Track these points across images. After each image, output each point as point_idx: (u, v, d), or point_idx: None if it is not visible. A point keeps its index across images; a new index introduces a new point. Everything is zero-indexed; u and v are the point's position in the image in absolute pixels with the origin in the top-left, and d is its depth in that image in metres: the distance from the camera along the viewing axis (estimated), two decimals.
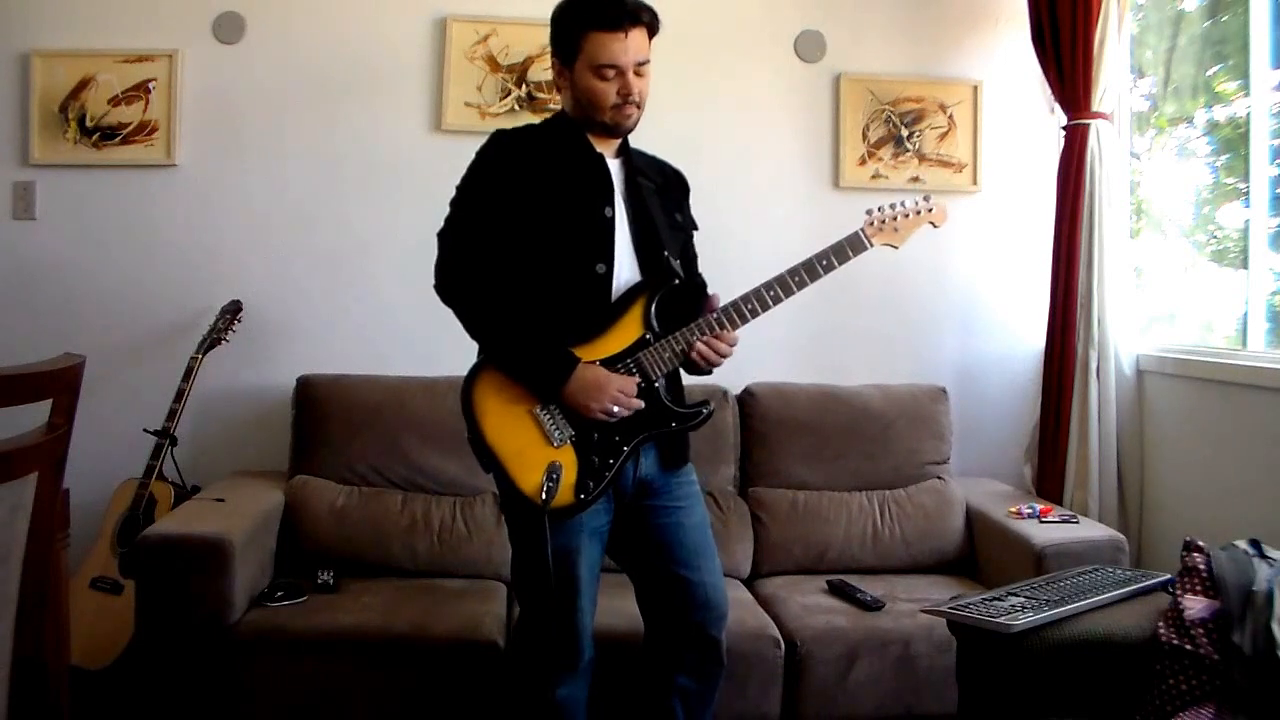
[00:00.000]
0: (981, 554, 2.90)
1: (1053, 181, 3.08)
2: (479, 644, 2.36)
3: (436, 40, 3.20)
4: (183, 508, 2.66)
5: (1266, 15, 2.69)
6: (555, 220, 1.92)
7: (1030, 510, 2.77)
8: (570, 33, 1.94)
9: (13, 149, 3.11)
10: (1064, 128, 3.07)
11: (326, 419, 2.92)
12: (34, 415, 1.25)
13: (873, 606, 2.57)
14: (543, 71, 3.20)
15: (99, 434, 2.95)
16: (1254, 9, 2.71)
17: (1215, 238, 3.07)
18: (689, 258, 2.12)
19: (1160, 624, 1.76)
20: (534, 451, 1.89)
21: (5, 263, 3.11)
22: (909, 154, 3.32)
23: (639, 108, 1.96)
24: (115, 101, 3.11)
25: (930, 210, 2.06)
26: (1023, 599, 1.88)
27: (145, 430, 2.90)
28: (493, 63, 3.20)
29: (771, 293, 1.94)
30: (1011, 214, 3.36)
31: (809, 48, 3.30)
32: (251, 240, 3.17)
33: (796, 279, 1.95)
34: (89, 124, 3.11)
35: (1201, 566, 1.80)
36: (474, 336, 1.96)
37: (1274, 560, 1.77)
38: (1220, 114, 3.00)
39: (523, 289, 1.93)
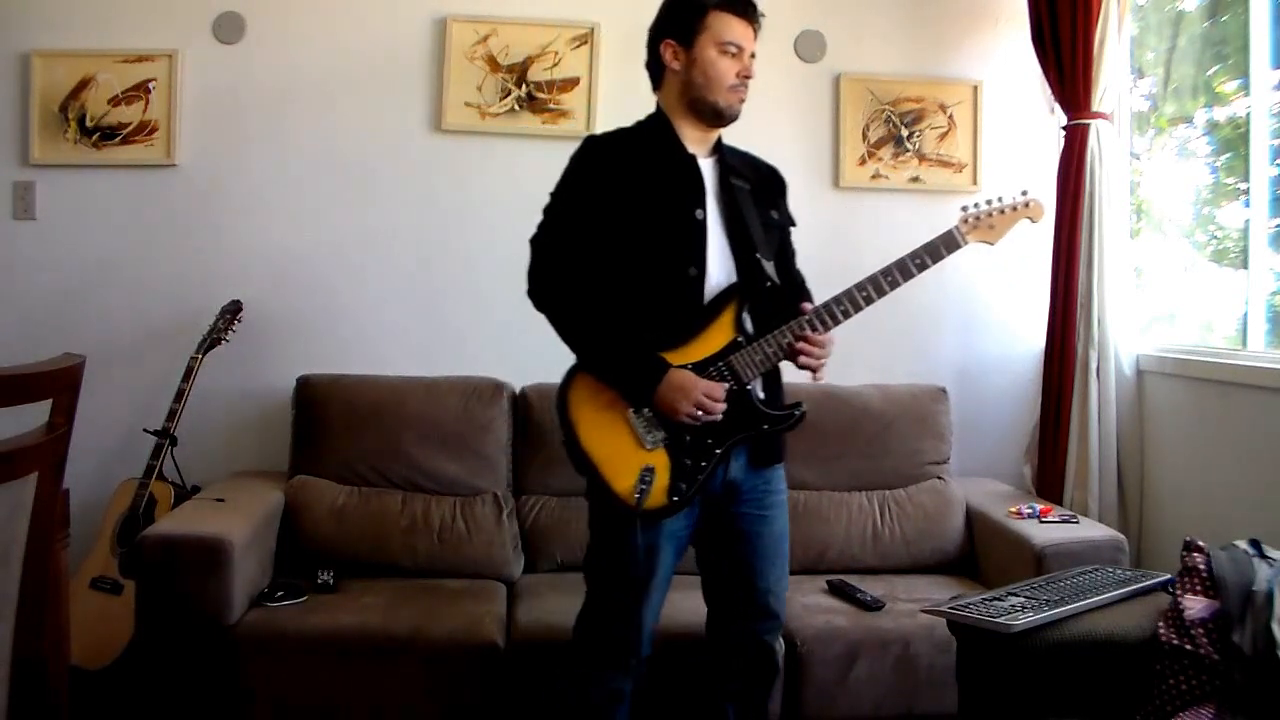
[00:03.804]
0: (981, 554, 2.90)
1: (1053, 181, 3.08)
2: (479, 644, 2.36)
3: (436, 40, 3.20)
4: (183, 508, 2.66)
5: (1266, 15, 2.69)
6: (647, 224, 1.93)
7: (1030, 510, 2.77)
8: (697, 10, 1.97)
9: (13, 149, 3.11)
10: (1064, 128, 3.06)
11: (326, 419, 2.92)
12: (34, 415, 1.25)
13: (873, 606, 2.57)
14: (543, 71, 3.20)
15: (99, 434, 2.96)
16: (1254, 9, 2.71)
17: (1215, 238, 3.07)
18: (787, 254, 2.12)
19: (1160, 624, 1.76)
20: (627, 455, 1.90)
21: (5, 263, 3.11)
22: (909, 154, 3.32)
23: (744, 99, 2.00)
24: (115, 101, 3.11)
25: (1027, 205, 2.02)
26: (1023, 599, 1.88)
27: (145, 430, 2.90)
28: (493, 63, 3.20)
29: (864, 293, 1.93)
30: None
31: (809, 48, 3.30)
32: (251, 240, 3.17)
33: (889, 279, 1.94)
34: (89, 124, 3.11)
35: (1201, 566, 1.80)
36: (566, 341, 1.97)
37: (1274, 560, 1.77)
38: (1220, 114, 3.00)
39: (616, 294, 1.94)
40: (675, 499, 1.90)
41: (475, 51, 3.20)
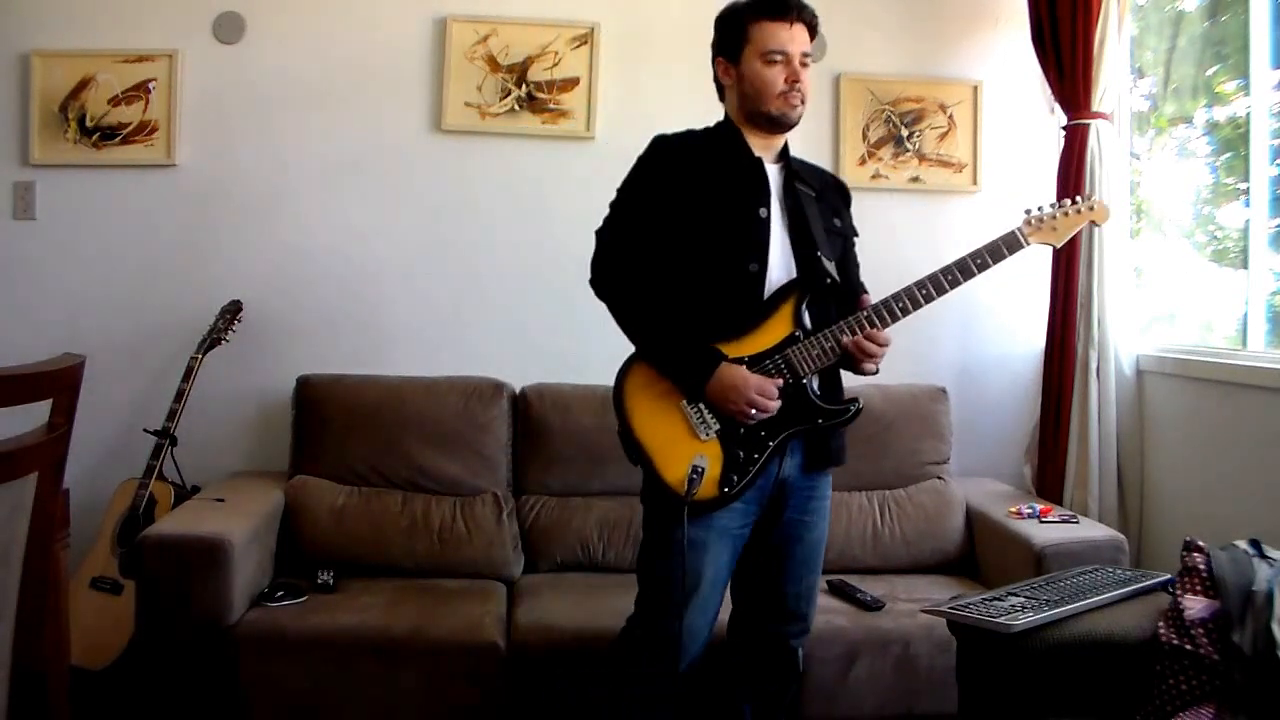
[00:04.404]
0: (981, 554, 2.90)
1: (1053, 181, 3.08)
2: (479, 644, 2.36)
3: (436, 40, 3.20)
4: (183, 508, 2.66)
5: (1266, 15, 2.69)
6: (710, 219, 1.94)
7: (1030, 510, 2.77)
8: (738, 25, 1.99)
9: (13, 149, 3.11)
10: (1064, 128, 3.06)
11: (326, 419, 2.92)
12: (34, 415, 1.25)
13: (873, 606, 2.57)
14: (543, 71, 3.20)
15: (99, 434, 2.96)
16: (1254, 9, 2.71)
17: (1215, 238, 3.07)
18: (849, 263, 2.12)
19: (1160, 624, 1.76)
20: (680, 445, 1.91)
21: (5, 263, 3.11)
22: (909, 154, 3.32)
23: (802, 102, 1.99)
24: (115, 101, 3.11)
25: (1091, 209, 2.03)
26: (1023, 599, 1.88)
27: (145, 430, 2.90)
28: (493, 63, 3.20)
29: (924, 291, 1.94)
30: (1011, 214, 3.33)
31: None
32: (251, 240, 3.17)
33: (950, 278, 1.94)
34: (89, 124, 3.11)
35: (1201, 566, 1.80)
36: (625, 331, 1.99)
37: (1274, 560, 1.77)
38: (1220, 114, 3.00)
39: (676, 286, 1.95)
40: (726, 490, 1.90)
41: (475, 51, 3.20)
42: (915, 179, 3.33)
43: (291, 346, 3.15)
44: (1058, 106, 3.16)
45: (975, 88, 3.33)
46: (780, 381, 1.90)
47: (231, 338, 3.03)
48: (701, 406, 1.92)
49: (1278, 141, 2.69)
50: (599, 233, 2.03)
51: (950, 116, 3.33)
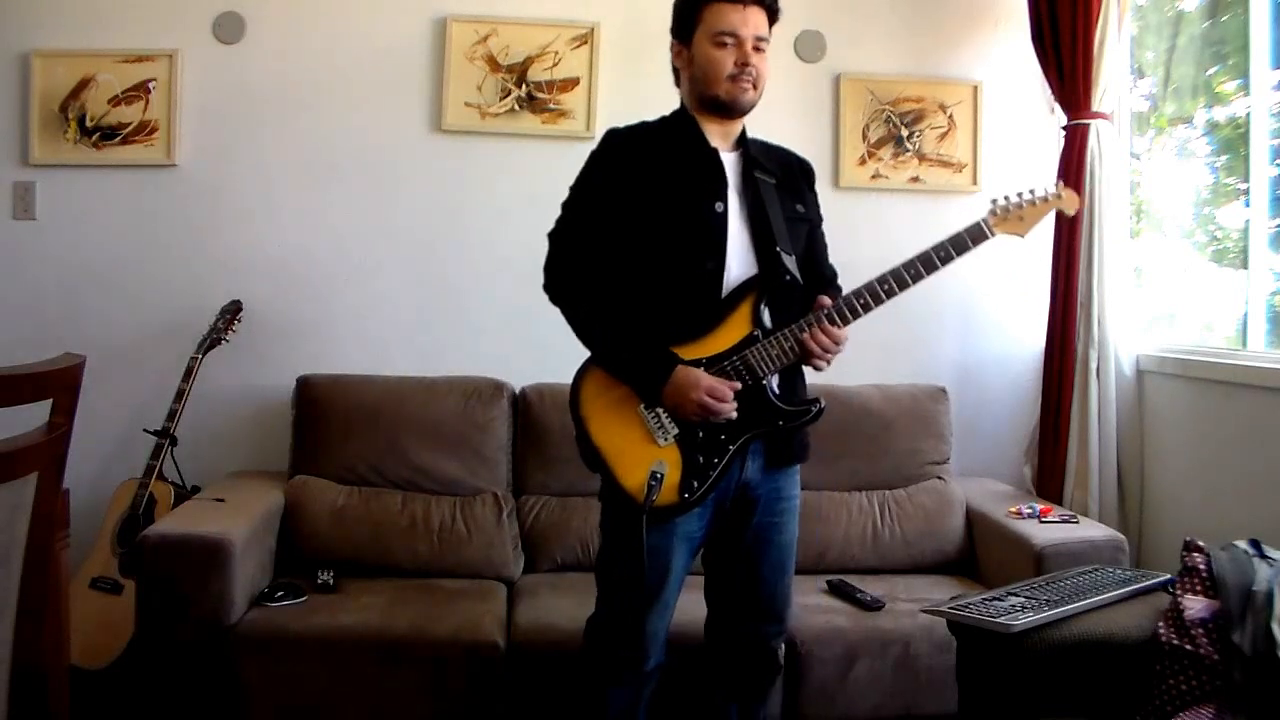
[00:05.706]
0: (981, 554, 2.90)
1: (1053, 182, 3.08)
2: (479, 644, 2.36)
3: (436, 40, 3.20)
4: (183, 508, 2.66)
5: (1266, 15, 2.69)
6: (664, 217, 1.90)
7: (1030, 510, 2.77)
8: (691, 7, 1.95)
9: (13, 149, 3.11)
10: (1064, 128, 3.06)
11: (326, 419, 2.92)
12: (34, 415, 1.25)
13: (873, 606, 2.57)
14: (543, 71, 3.20)
15: (99, 434, 2.96)
16: (1254, 9, 2.72)
17: (1215, 238, 3.07)
18: (815, 249, 2.07)
19: (1160, 624, 1.76)
20: (638, 450, 1.88)
21: (5, 263, 3.11)
22: (909, 154, 3.32)
23: (755, 87, 1.93)
24: (115, 101, 3.12)
25: (1059, 197, 1.96)
26: (1023, 599, 1.88)
27: (145, 430, 2.90)
28: (493, 63, 3.20)
29: (885, 286, 1.88)
30: None
31: (809, 48, 3.30)
32: (251, 240, 3.17)
33: (912, 272, 1.88)
34: (89, 124, 3.11)
35: (1201, 566, 1.80)
36: (579, 336, 1.95)
37: (1274, 560, 1.77)
38: (1220, 114, 3.00)
39: (632, 287, 1.92)
40: (686, 496, 1.87)
41: (475, 51, 3.20)
42: (915, 179, 3.33)
43: (291, 346, 3.15)
44: (1058, 106, 3.16)
45: (975, 88, 3.33)
46: (737, 385, 1.86)
47: (231, 338, 3.03)
48: (659, 411, 1.88)
49: (1278, 141, 2.69)
50: (552, 236, 1.99)
51: (950, 116, 3.33)
